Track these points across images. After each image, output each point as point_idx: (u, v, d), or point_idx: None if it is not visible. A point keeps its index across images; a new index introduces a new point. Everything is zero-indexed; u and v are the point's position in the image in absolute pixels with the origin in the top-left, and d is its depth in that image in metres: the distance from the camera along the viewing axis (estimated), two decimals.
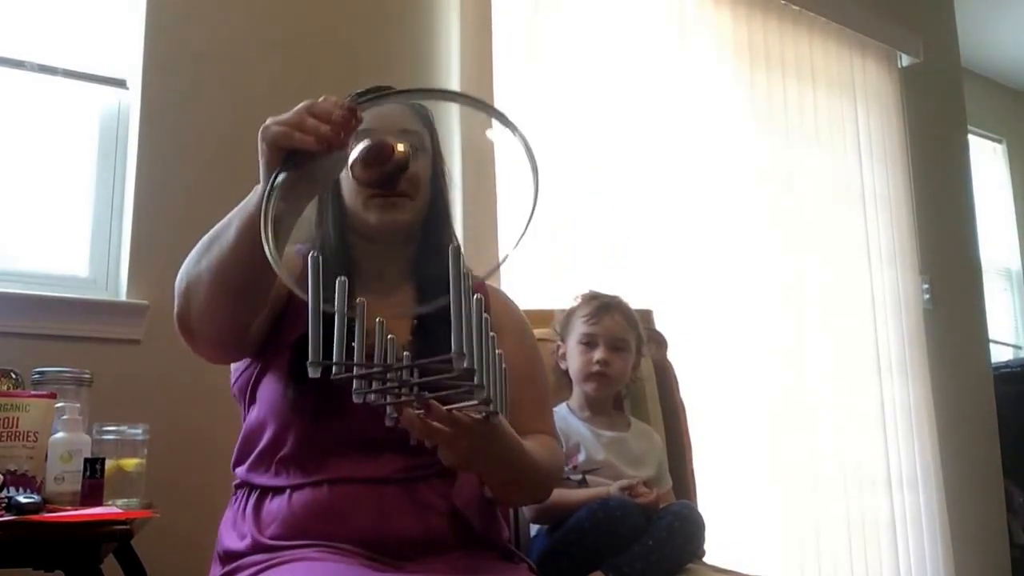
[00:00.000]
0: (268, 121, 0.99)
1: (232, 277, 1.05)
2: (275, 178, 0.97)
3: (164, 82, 1.91)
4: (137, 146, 1.87)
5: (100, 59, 1.93)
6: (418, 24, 2.28)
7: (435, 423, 0.92)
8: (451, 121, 2.24)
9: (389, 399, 0.88)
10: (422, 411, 0.90)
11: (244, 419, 1.22)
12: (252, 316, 1.11)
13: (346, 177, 1.23)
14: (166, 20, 1.93)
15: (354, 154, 1.06)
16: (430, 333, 1.15)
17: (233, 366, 1.23)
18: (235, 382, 1.22)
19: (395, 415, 0.90)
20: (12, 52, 1.84)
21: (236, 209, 1.05)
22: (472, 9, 2.31)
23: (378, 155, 1.06)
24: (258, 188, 1.01)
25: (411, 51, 2.26)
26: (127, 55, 1.94)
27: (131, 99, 1.93)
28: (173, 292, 1.11)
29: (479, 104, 1.08)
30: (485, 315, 0.85)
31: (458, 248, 0.84)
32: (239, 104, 1.99)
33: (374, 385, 0.86)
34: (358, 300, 0.86)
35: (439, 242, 1.26)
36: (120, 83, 1.93)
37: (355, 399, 0.85)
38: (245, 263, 1.02)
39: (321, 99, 0.99)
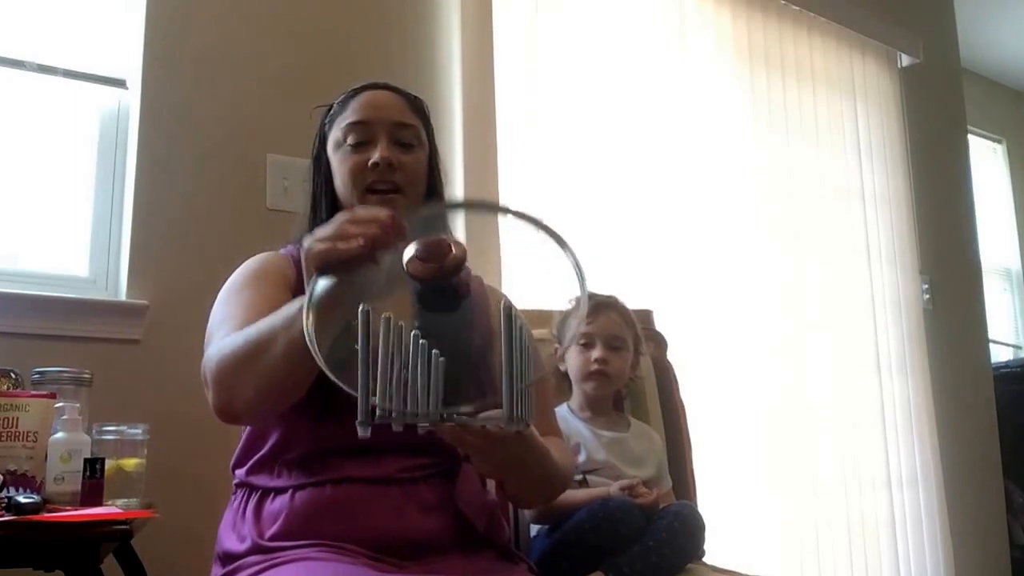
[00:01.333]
0: (308, 242, 1.00)
1: (282, 384, 1.04)
2: (312, 291, 0.98)
3: (164, 82, 1.91)
4: (137, 146, 1.87)
5: (100, 59, 1.93)
6: (419, 25, 2.28)
7: (468, 436, 0.94)
8: (453, 120, 2.25)
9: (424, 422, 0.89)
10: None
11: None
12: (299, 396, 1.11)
13: (339, 172, 1.24)
14: (166, 20, 1.93)
15: (410, 250, 1.02)
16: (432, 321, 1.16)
17: None
18: None
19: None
20: (12, 52, 1.84)
21: (277, 321, 1.02)
22: (473, 8, 2.31)
23: (435, 252, 1.02)
24: (299, 302, 1.00)
25: (412, 52, 2.26)
26: (127, 55, 1.94)
27: (131, 99, 1.93)
28: (204, 376, 1.09)
29: (528, 219, 1.05)
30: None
31: (511, 305, 0.86)
32: (239, 104, 1.99)
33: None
34: (421, 341, 0.86)
35: None
36: (120, 83, 1.93)
37: (395, 428, 0.86)
38: (294, 371, 1.02)
39: (359, 208, 1.02)
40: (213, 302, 1.21)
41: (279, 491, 1.12)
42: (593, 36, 2.56)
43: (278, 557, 1.05)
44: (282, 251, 1.29)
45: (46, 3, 1.90)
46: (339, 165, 1.24)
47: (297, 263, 1.24)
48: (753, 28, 2.97)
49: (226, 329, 1.11)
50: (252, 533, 1.10)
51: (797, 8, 3.09)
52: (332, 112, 1.29)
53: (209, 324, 1.17)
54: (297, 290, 1.20)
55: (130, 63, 1.93)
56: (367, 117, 1.23)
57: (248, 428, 1.20)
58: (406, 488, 1.11)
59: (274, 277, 1.21)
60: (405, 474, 1.12)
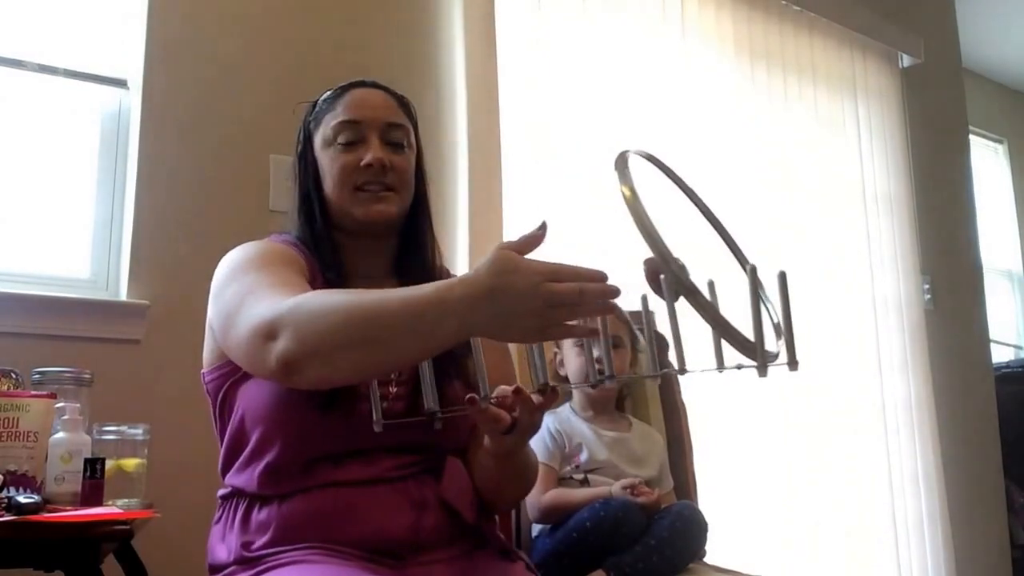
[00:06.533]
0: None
1: (393, 366, 1.04)
2: None
3: (165, 82, 1.91)
4: (138, 146, 1.87)
5: (101, 59, 1.92)
6: (423, 25, 2.28)
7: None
8: (457, 118, 2.24)
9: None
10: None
11: (219, 420, 1.17)
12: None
13: (328, 171, 1.22)
14: (167, 19, 1.93)
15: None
16: None
17: (208, 361, 1.18)
18: (211, 380, 1.17)
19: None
20: (12, 52, 1.84)
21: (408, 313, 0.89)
22: (476, 8, 2.31)
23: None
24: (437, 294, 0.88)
25: (416, 52, 2.25)
26: (128, 55, 1.93)
27: (132, 99, 1.93)
28: (272, 328, 0.94)
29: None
30: None
31: (755, 268, 0.96)
32: (242, 104, 1.99)
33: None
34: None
35: (420, 237, 1.26)
36: (121, 83, 1.93)
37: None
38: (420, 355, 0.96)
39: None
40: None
41: (265, 501, 1.10)
42: (594, 37, 2.55)
43: (269, 563, 1.04)
44: (274, 238, 1.25)
45: (47, 3, 1.90)
46: (329, 164, 1.22)
47: (300, 249, 1.20)
48: (754, 28, 2.97)
49: (268, 294, 0.99)
50: (240, 542, 1.09)
51: (798, 8, 3.09)
52: (318, 109, 1.27)
53: (226, 302, 1.06)
54: (310, 277, 1.15)
55: (131, 63, 1.93)
56: (359, 116, 1.22)
57: (229, 430, 1.15)
58: (396, 486, 1.10)
59: (289, 259, 1.15)
60: (393, 472, 1.11)
